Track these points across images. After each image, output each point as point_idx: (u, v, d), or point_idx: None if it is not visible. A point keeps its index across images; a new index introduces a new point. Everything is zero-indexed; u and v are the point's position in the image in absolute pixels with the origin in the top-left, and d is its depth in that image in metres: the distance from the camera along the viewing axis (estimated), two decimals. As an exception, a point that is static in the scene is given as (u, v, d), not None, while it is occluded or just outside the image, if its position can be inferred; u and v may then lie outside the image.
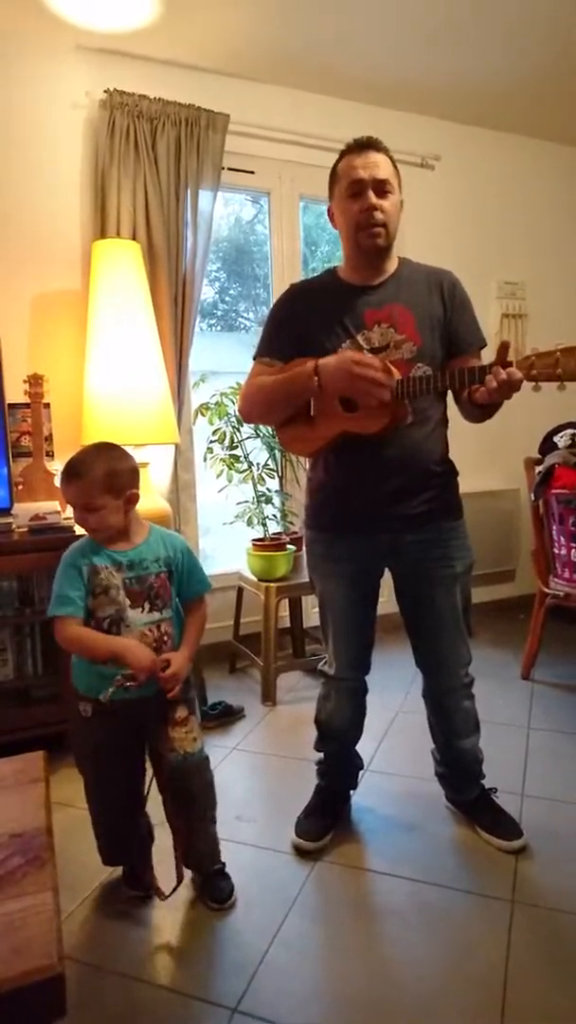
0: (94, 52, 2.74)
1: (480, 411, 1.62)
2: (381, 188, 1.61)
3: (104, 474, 1.50)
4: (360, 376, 1.50)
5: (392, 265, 1.73)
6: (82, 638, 1.50)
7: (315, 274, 1.86)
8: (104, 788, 1.65)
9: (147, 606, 1.55)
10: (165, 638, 1.58)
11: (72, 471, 1.51)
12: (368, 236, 1.63)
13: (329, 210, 1.73)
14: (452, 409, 1.76)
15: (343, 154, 1.66)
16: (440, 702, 1.88)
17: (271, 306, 1.84)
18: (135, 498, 1.56)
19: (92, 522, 1.52)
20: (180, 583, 1.63)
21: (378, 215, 1.61)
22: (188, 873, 1.70)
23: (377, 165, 1.61)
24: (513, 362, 1.44)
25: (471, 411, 1.66)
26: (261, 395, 1.71)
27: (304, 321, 1.72)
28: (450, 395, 1.73)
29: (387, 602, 1.91)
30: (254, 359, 1.78)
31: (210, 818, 1.68)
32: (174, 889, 1.63)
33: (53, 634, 1.53)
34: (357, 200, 1.62)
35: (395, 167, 1.66)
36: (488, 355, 1.77)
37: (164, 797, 1.65)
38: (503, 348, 1.43)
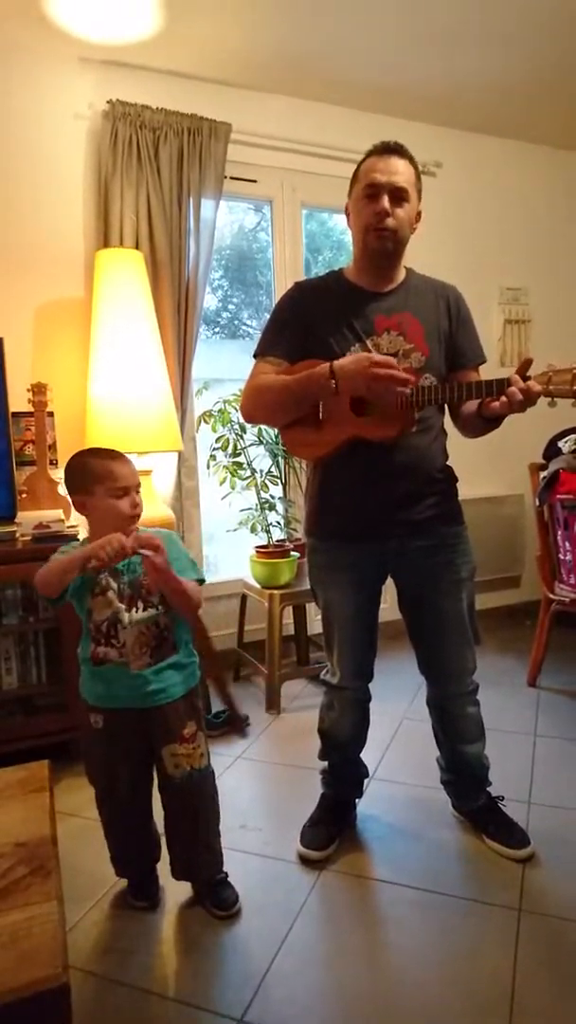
0: (96, 63, 2.76)
1: (486, 425, 1.63)
2: (397, 195, 1.61)
3: None
4: (380, 376, 1.49)
5: (401, 274, 1.74)
6: (52, 563, 1.48)
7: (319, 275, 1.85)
8: (115, 799, 1.64)
9: (141, 605, 1.55)
10: (165, 633, 1.57)
11: (116, 452, 1.53)
12: (375, 238, 1.64)
13: (346, 208, 1.73)
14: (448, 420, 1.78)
15: (367, 155, 1.66)
16: (445, 709, 1.87)
17: (275, 303, 1.82)
18: None
19: (139, 500, 1.53)
20: None
21: (389, 221, 1.62)
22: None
23: (397, 172, 1.61)
24: (532, 376, 1.46)
25: (474, 425, 1.67)
26: (269, 395, 1.68)
27: (311, 320, 1.71)
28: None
29: (389, 609, 1.91)
30: (256, 356, 1.75)
31: (213, 831, 1.67)
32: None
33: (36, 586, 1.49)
34: (371, 203, 1.62)
35: (418, 176, 1.66)
36: (489, 367, 1.79)
37: (166, 811, 1.64)
38: (526, 363, 1.48)
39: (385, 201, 1.60)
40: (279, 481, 2.99)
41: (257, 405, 1.72)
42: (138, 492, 1.53)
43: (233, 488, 2.87)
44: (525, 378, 1.46)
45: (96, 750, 1.62)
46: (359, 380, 1.51)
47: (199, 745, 1.61)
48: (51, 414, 2.66)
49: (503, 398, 1.48)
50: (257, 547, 2.91)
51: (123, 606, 1.53)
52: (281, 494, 3.04)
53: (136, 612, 1.54)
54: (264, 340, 1.75)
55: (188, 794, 1.60)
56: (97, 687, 1.57)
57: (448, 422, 1.79)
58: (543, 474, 2.81)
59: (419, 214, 1.70)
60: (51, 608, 1.47)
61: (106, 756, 1.60)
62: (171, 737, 1.58)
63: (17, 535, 2.35)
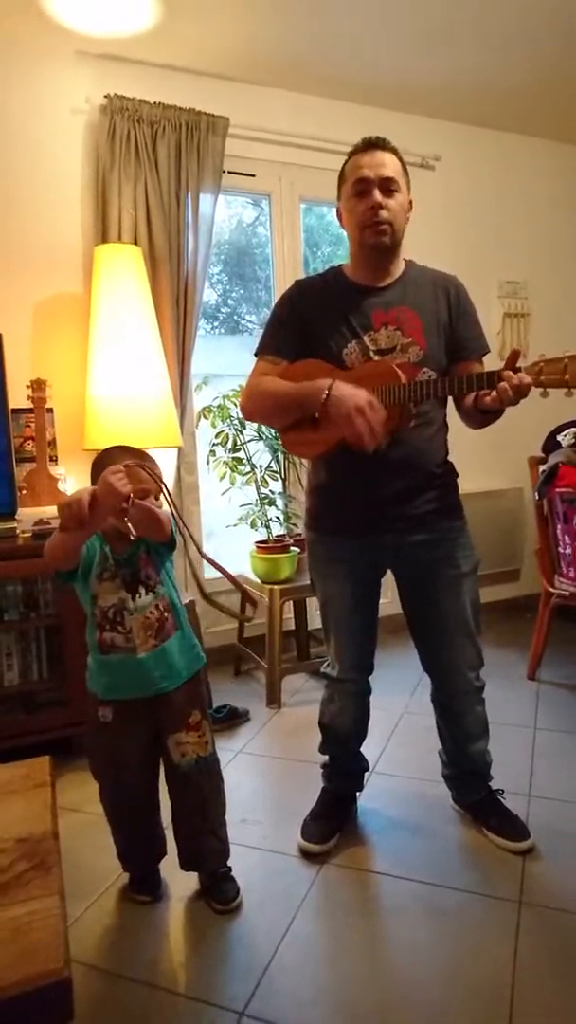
0: (94, 57, 2.74)
1: (484, 417, 1.62)
2: (387, 186, 1.61)
3: None
4: (357, 427, 1.49)
5: (399, 267, 1.73)
6: (54, 540, 1.45)
7: (318, 272, 1.84)
8: (123, 793, 1.65)
9: (143, 591, 1.56)
10: (166, 614, 1.58)
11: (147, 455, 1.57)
12: (373, 234, 1.63)
13: (337, 210, 1.73)
14: (452, 413, 1.77)
15: (351, 154, 1.66)
16: (450, 706, 1.87)
17: (275, 302, 1.82)
18: None
19: (161, 504, 1.54)
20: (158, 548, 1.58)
21: (383, 213, 1.61)
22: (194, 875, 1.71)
23: (383, 164, 1.61)
24: (522, 368, 1.45)
25: (475, 417, 1.66)
26: (269, 400, 1.69)
27: (309, 319, 1.71)
28: (450, 401, 1.73)
29: (389, 603, 1.91)
30: (256, 355, 1.76)
31: (220, 819, 1.68)
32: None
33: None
34: (363, 199, 1.62)
35: (403, 167, 1.66)
36: (490, 360, 1.78)
37: (173, 801, 1.65)
38: (513, 355, 1.46)
39: (377, 194, 1.60)
40: (279, 476, 2.99)
41: (257, 407, 1.74)
42: (157, 497, 1.53)
43: (233, 484, 2.87)
44: (516, 370, 1.45)
45: (103, 743, 1.62)
46: (342, 413, 1.51)
47: (204, 733, 1.62)
48: (50, 410, 2.65)
49: (494, 392, 1.47)
50: (257, 543, 2.91)
51: (128, 595, 1.54)
52: (281, 489, 3.04)
53: (139, 598, 1.55)
54: (264, 339, 1.76)
55: (194, 782, 1.61)
56: (103, 679, 1.58)
57: (452, 415, 1.78)
58: (542, 468, 2.81)
59: (411, 203, 1.69)
60: (61, 585, 1.52)
61: (113, 749, 1.60)
62: (176, 725, 1.59)
63: (17, 531, 2.35)
